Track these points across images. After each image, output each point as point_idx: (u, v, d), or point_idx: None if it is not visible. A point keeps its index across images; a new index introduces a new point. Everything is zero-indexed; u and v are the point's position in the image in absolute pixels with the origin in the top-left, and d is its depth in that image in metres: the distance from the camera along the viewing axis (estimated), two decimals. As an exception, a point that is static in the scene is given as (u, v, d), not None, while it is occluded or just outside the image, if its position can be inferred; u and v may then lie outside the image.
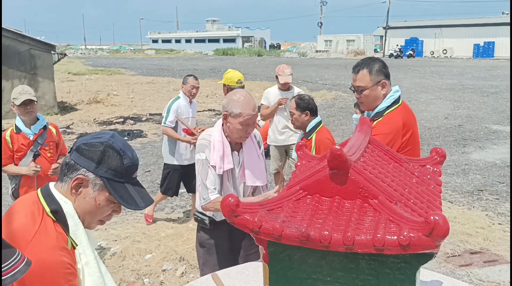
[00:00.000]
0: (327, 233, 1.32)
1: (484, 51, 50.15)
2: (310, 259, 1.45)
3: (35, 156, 3.73)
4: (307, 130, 3.93)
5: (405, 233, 1.26)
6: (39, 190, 1.57)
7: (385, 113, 2.73)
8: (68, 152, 1.57)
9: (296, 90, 5.76)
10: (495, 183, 6.82)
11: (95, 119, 12.21)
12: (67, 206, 1.51)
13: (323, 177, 1.48)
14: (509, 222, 5.16)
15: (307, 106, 3.90)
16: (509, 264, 4.27)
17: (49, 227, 1.47)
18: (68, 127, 11.20)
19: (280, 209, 1.47)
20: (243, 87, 4.74)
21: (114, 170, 1.53)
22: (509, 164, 7.77)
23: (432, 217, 1.23)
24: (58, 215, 1.50)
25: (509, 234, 4.89)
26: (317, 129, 3.93)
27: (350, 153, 1.51)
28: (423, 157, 1.97)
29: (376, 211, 1.40)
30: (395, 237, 1.27)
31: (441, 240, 1.23)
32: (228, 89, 4.91)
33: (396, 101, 2.79)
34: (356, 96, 2.80)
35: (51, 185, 1.57)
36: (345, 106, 14.62)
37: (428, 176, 1.86)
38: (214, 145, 2.63)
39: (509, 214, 5.52)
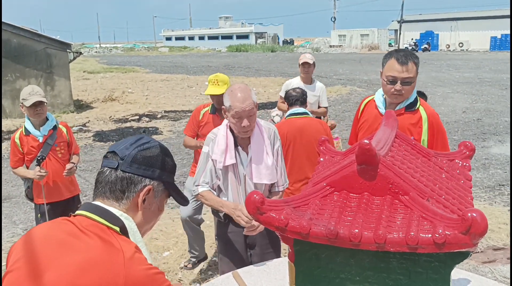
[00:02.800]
0: (357, 231, 1.27)
1: (502, 43, 49.30)
2: (338, 258, 1.40)
3: (39, 161, 3.63)
4: (286, 117, 4.11)
5: (440, 231, 1.20)
6: (84, 212, 1.36)
7: (419, 104, 2.75)
8: (115, 167, 1.39)
9: (318, 85, 5.56)
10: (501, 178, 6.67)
11: (110, 117, 12.26)
12: (130, 223, 1.39)
13: (351, 172, 1.42)
14: (510, 223, 5.03)
15: (288, 98, 4.04)
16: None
17: (128, 242, 1.32)
18: (84, 125, 11.27)
19: (307, 206, 1.42)
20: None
21: (170, 172, 1.50)
22: (531, 158, 7.60)
23: (469, 214, 1.17)
24: (125, 233, 1.36)
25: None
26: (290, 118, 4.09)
27: (378, 148, 1.45)
28: (452, 151, 1.91)
29: (407, 208, 1.35)
30: (430, 235, 1.21)
31: (479, 238, 1.17)
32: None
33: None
34: (397, 87, 2.64)
35: (99, 203, 1.40)
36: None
37: (458, 171, 1.79)
38: (218, 140, 2.62)
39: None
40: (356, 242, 1.27)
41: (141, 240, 1.41)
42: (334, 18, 72.27)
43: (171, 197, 1.54)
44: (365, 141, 1.35)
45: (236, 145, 2.64)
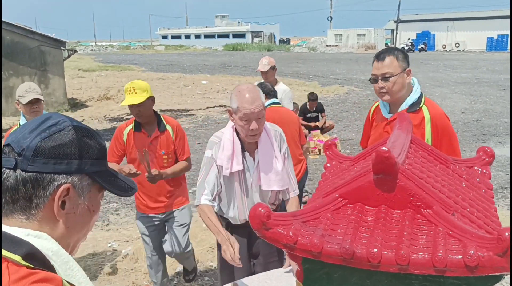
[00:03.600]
0: (376, 250, 1.12)
1: (498, 44, 49.35)
2: (353, 278, 1.25)
3: None
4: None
5: (472, 252, 1.06)
6: None
7: (423, 103, 2.61)
8: (12, 167, 1.00)
9: (282, 87, 5.23)
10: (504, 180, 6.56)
11: (105, 115, 12.09)
12: (44, 242, 1.00)
13: (367, 183, 1.28)
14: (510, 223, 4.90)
15: (263, 90, 4.11)
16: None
17: (34, 279, 0.92)
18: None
19: (318, 221, 1.27)
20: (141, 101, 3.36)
21: (96, 158, 1.10)
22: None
23: (506, 233, 1.03)
24: (36, 260, 0.96)
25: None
26: (267, 107, 4.11)
27: (395, 155, 1.31)
28: (470, 158, 1.77)
29: (431, 223, 1.20)
30: (460, 257, 1.07)
31: (518, 262, 1.02)
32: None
33: (420, 92, 2.72)
34: (380, 85, 2.60)
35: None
36: (359, 101, 14.35)
37: (478, 179, 1.65)
38: (223, 144, 2.44)
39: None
40: (375, 263, 1.13)
41: (69, 259, 1.04)
42: (331, 17, 72.19)
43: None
44: (384, 148, 1.21)
45: (243, 150, 2.47)
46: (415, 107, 2.59)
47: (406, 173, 1.26)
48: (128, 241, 4.74)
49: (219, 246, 2.69)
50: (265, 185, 2.46)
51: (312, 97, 8.82)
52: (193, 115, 12.34)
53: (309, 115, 8.84)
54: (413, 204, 1.24)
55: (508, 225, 3.68)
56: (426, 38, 53.52)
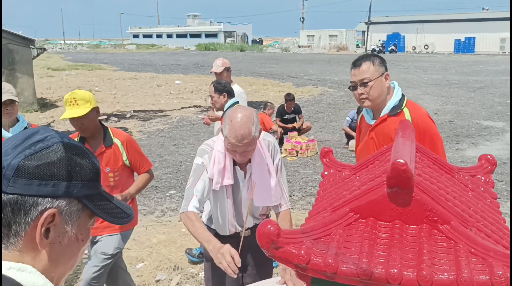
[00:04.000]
0: (396, 271, 1.05)
1: (465, 46, 50.55)
2: (367, 299, 1.18)
3: None
4: (224, 110, 4.18)
5: (500, 272, 1.00)
6: None
7: (404, 105, 2.57)
8: None
9: (237, 89, 4.90)
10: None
11: (77, 116, 11.76)
12: (29, 276, 0.87)
13: (380, 197, 1.21)
14: (510, 223, 4.98)
15: (223, 89, 4.17)
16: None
17: None
18: (49, 125, 10.75)
19: (329, 237, 1.19)
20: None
21: (88, 179, 0.96)
22: (505, 161, 7.63)
23: (537, 253, 0.97)
24: None
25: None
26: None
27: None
28: (473, 166, 1.72)
29: (450, 240, 1.14)
30: (487, 277, 1.01)
31: (551, 283, 0.97)
32: None
33: (402, 94, 2.67)
34: (359, 91, 2.56)
35: None
36: (333, 102, 14.42)
37: (482, 188, 1.61)
38: (215, 156, 2.32)
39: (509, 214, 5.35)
40: (394, 285, 1.05)
41: None
42: (303, 18, 72.56)
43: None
44: (400, 160, 1.14)
45: (234, 164, 2.36)
46: (396, 110, 2.55)
47: (422, 186, 1.20)
48: (104, 247, 4.57)
49: (206, 257, 2.58)
50: (258, 201, 2.36)
51: (289, 97, 8.78)
52: (168, 116, 12.15)
53: (286, 116, 8.79)
54: (429, 219, 1.17)
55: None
56: (396, 40, 54.39)
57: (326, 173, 1.81)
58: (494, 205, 1.53)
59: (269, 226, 1.13)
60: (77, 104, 2.88)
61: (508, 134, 9.70)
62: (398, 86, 2.70)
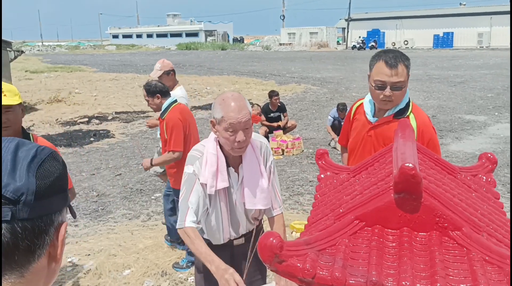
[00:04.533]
0: (409, 283, 0.98)
1: (444, 41, 51.20)
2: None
3: None
4: (161, 111, 4.07)
5: (521, 282, 0.94)
6: None
7: (410, 110, 2.47)
8: (10, 219, 0.74)
9: (177, 92, 4.61)
10: (479, 175, 6.68)
11: (57, 119, 11.52)
12: None
13: (387, 203, 1.14)
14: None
15: (155, 90, 4.04)
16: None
17: None
18: (28, 129, 10.50)
19: (334, 248, 1.12)
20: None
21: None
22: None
23: (560, 262, 0.91)
24: None
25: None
26: (170, 108, 4.02)
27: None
28: (473, 165, 1.67)
29: (462, 247, 1.08)
30: (507, 289, 0.95)
31: None
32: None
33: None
34: (387, 93, 2.37)
35: None
36: (317, 99, 14.40)
37: (484, 189, 1.56)
38: (206, 159, 2.19)
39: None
40: (408, 298, 0.99)
41: None
42: (283, 16, 72.64)
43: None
44: (409, 164, 1.07)
45: (227, 165, 2.25)
46: (402, 114, 2.44)
47: (431, 191, 1.14)
48: (89, 254, 4.44)
49: (197, 267, 2.48)
50: (250, 203, 2.26)
51: (274, 93, 8.72)
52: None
53: (271, 115, 8.73)
54: (439, 225, 1.11)
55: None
56: (376, 36, 54.83)
57: (322, 176, 1.74)
58: (498, 206, 1.47)
59: (271, 239, 1.06)
60: (5, 95, 2.54)
61: (491, 128, 9.79)
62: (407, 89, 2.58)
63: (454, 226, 1.10)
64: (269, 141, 8.30)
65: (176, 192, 4.00)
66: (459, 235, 1.09)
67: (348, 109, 9.15)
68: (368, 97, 2.63)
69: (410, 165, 1.07)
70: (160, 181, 6.67)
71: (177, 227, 2.18)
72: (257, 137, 2.35)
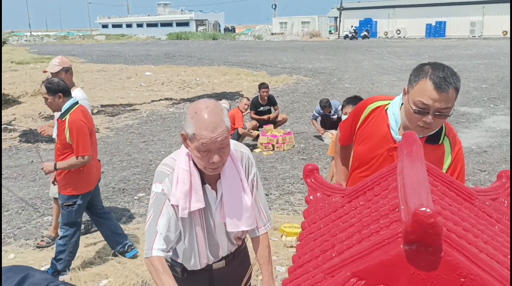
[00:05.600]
0: None
1: (436, 30, 50.93)
2: None
3: None
4: (62, 111, 3.81)
5: None
6: None
7: (444, 133, 2.05)
8: None
9: (77, 94, 4.22)
10: (476, 171, 6.45)
11: (40, 113, 11.12)
12: None
13: (395, 257, 0.86)
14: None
15: (57, 88, 3.77)
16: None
17: None
18: (9, 124, 10.10)
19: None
20: None
21: None
22: (486, 150, 7.46)
23: None
24: None
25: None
26: (72, 110, 3.78)
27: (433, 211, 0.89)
28: (492, 186, 1.39)
29: (497, 320, 0.80)
30: None
31: None
32: None
33: None
34: (429, 120, 1.90)
35: None
36: (308, 91, 14.10)
37: (506, 217, 1.28)
38: (178, 176, 1.86)
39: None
40: None
41: None
42: (275, 5, 72.00)
43: None
44: (426, 210, 0.79)
45: (203, 183, 1.92)
46: (435, 140, 2.02)
47: (452, 241, 0.85)
48: (65, 262, 4.15)
49: None
50: (231, 225, 1.95)
51: (263, 86, 8.45)
52: (137, 110, 11.63)
53: (261, 108, 8.44)
54: (465, 288, 0.83)
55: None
56: (369, 25, 54.47)
57: (311, 197, 1.46)
58: (525, 240, 1.20)
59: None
60: None
61: (487, 120, 9.57)
62: None
63: (485, 289, 0.82)
64: (259, 135, 8.02)
65: (64, 197, 3.81)
66: (492, 303, 0.81)
67: (338, 104, 8.74)
68: (395, 105, 2.15)
69: (428, 210, 0.79)
70: (144, 179, 6.38)
71: (144, 256, 1.86)
72: (237, 146, 2.03)
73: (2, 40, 14.20)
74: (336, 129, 8.18)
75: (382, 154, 2.13)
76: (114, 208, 5.37)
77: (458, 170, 2.04)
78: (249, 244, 2.24)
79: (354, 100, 4.40)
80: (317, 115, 8.39)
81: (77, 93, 4.23)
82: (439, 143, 2.04)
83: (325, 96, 13.01)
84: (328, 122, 8.37)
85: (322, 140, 8.29)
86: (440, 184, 1.23)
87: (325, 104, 8.17)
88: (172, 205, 1.86)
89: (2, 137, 8.77)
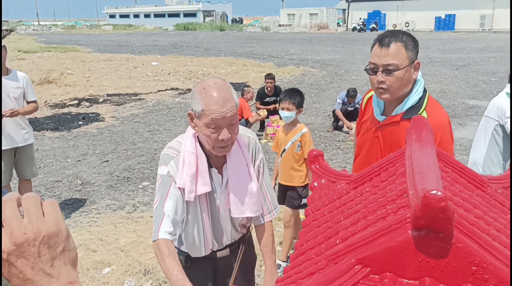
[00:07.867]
0: None
1: (445, 23, 50.44)
2: None
3: None
4: None
5: None
6: None
7: (424, 108, 2.03)
8: None
9: (21, 75, 4.42)
10: (484, 164, 6.36)
11: (46, 101, 11.12)
12: None
13: (402, 243, 0.80)
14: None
15: None
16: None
17: None
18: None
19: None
20: None
21: None
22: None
23: None
24: None
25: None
26: None
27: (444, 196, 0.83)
28: (504, 174, 1.33)
29: (511, 312, 0.75)
30: None
31: None
32: None
33: (424, 89, 2.12)
34: (379, 79, 1.99)
35: None
36: (315, 82, 14.01)
37: (519, 206, 1.22)
38: (184, 159, 1.84)
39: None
40: None
41: None
42: (283, -4, 71.55)
43: None
44: (437, 192, 0.74)
45: (209, 166, 1.88)
46: (412, 113, 1.98)
47: (464, 227, 0.80)
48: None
49: None
50: (236, 211, 1.92)
51: (270, 76, 8.36)
52: (143, 99, 11.60)
53: (267, 99, 8.37)
54: (477, 277, 0.78)
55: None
56: (377, 18, 54.02)
57: (315, 184, 1.41)
58: (539, 230, 1.14)
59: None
60: None
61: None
62: (421, 77, 2.14)
63: (499, 278, 0.77)
64: (265, 126, 7.95)
65: None
66: (506, 293, 0.76)
67: (359, 97, 8.73)
68: None
69: (439, 194, 0.74)
70: (148, 169, 6.35)
71: (152, 240, 1.82)
72: (245, 131, 1.99)
73: (8, 29, 14.17)
74: (350, 120, 8.12)
75: (370, 137, 2.19)
76: (119, 197, 5.35)
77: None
78: (254, 236, 2.20)
79: (291, 93, 4.09)
80: (341, 101, 8.27)
81: (20, 74, 4.41)
82: (417, 115, 1.98)
83: (333, 88, 12.94)
84: (345, 114, 8.29)
85: (346, 132, 8.18)
86: (450, 170, 1.18)
87: (354, 93, 8.15)
88: (178, 188, 1.83)
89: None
